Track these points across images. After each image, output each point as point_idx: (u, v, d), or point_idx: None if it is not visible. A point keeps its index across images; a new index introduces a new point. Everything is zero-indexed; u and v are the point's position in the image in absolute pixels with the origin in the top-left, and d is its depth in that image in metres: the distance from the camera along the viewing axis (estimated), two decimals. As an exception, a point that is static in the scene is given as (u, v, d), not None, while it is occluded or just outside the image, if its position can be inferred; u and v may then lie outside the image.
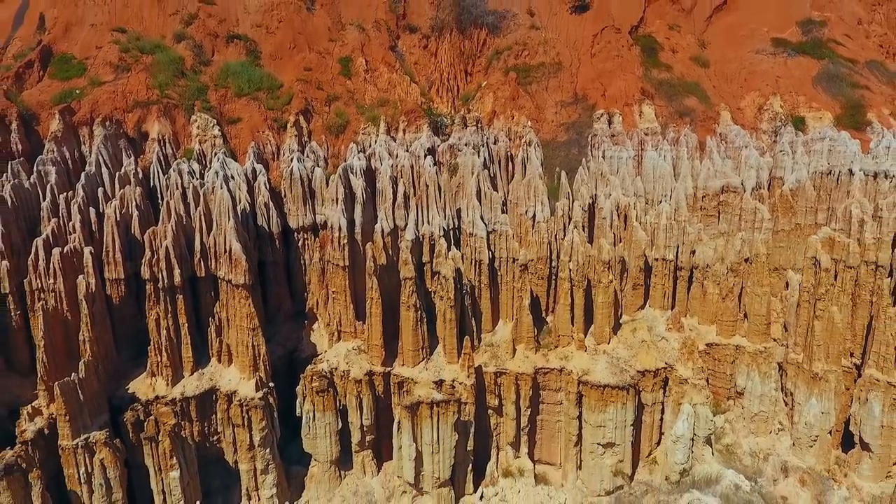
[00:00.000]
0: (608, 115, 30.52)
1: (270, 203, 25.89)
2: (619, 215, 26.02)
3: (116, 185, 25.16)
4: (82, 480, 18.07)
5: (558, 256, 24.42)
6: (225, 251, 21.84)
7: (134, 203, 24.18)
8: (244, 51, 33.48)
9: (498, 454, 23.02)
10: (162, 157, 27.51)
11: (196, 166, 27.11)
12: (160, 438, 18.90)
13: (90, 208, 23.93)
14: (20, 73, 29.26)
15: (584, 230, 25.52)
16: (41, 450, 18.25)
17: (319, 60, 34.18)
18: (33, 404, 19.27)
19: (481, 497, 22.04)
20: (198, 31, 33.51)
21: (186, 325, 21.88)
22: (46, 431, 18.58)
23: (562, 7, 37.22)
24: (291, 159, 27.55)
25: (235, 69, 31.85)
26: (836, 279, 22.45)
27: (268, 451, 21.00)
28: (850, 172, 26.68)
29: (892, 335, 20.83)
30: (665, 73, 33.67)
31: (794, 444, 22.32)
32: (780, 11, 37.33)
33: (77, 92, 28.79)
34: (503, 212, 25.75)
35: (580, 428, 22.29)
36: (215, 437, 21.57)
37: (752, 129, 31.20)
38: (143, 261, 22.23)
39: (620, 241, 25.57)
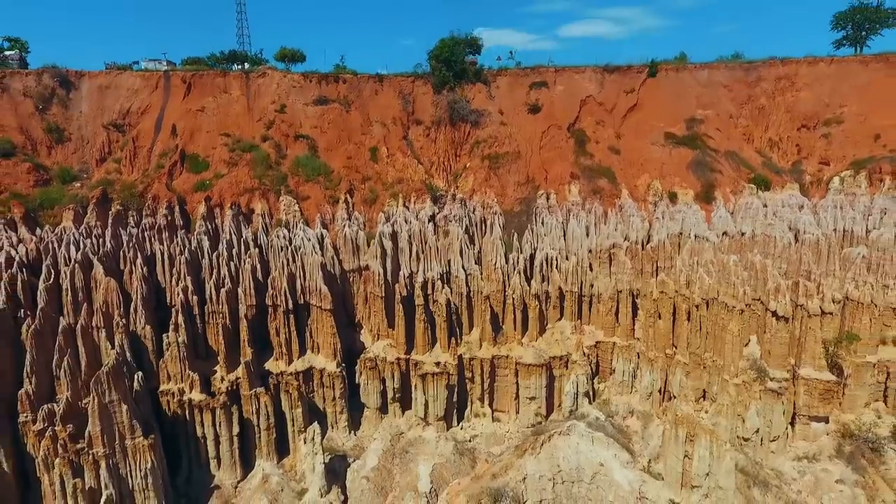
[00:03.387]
0: (547, 193, 48.14)
1: (333, 255, 43.52)
2: (547, 263, 43.60)
3: (242, 247, 42.81)
4: (253, 412, 35.73)
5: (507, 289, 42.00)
6: (316, 289, 39.43)
7: (256, 259, 41.76)
8: (307, 146, 50.94)
9: (471, 405, 40.73)
10: (263, 226, 45.13)
11: (285, 231, 44.72)
12: (291, 392, 36.59)
13: (230, 262, 41.53)
14: (171, 170, 46.90)
15: (527, 272, 43.14)
16: (230, 396, 35.89)
17: (356, 150, 51.73)
18: (221, 375, 36.87)
19: (461, 427, 39.73)
20: (276, 133, 51.07)
21: (294, 331, 39.46)
22: (232, 388, 36.23)
23: (521, 109, 54.80)
24: (343, 225, 45.25)
25: (303, 161, 49.39)
26: (663, 304, 40.01)
27: (342, 401, 38.70)
28: (692, 235, 44.18)
29: (688, 335, 38.47)
30: (589, 159, 51.15)
31: (639, 399, 39.98)
32: (674, 110, 54.81)
33: (207, 182, 46.42)
34: (476, 262, 43.36)
35: (517, 389, 39.94)
36: (312, 394, 39.19)
37: (642, 202, 48.74)
38: (267, 294, 39.85)
39: (546, 280, 43.14)
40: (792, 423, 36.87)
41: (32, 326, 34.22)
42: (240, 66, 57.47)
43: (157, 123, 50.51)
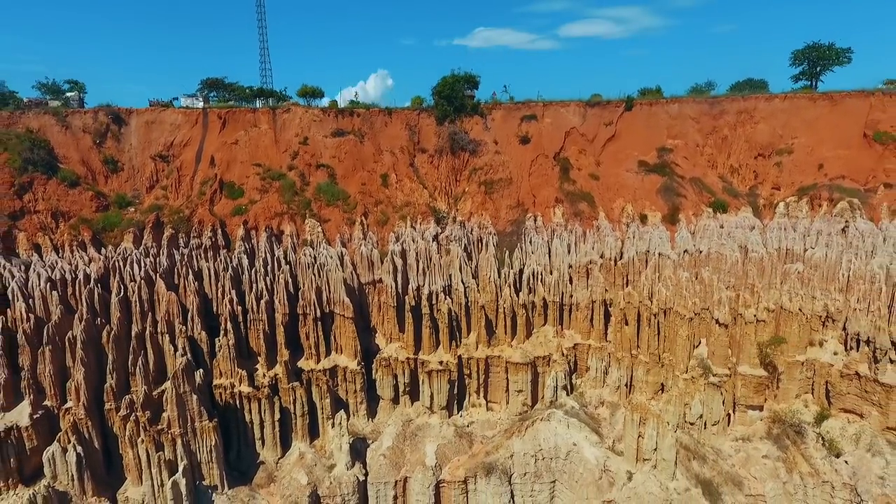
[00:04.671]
0: (534, 215, 56.44)
1: (352, 270, 51.85)
2: (533, 277, 51.90)
3: (275, 264, 51.17)
4: (290, 402, 44.12)
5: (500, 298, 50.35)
6: (339, 300, 47.77)
7: (287, 274, 50.11)
8: (326, 174, 59.21)
9: (469, 396, 49.11)
10: (292, 246, 53.49)
11: (310, 250, 53.06)
12: (320, 385, 45.00)
13: (266, 277, 49.87)
14: (212, 196, 55.24)
15: (516, 284, 51.42)
16: (271, 389, 44.26)
17: (369, 177, 60.03)
18: (263, 371, 45.23)
19: (461, 415, 48.13)
20: (300, 163, 59.38)
21: (321, 335, 47.81)
22: (272, 382, 44.60)
23: (514, 139, 63.06)
24: (360, 244, 53.60)
25: (324, 188, 57.69)
26: (629, 312, 48.33)
27: (362, 393, 47.10)
28: (657, 253, 52.47)
29: (649, 339, 46.82)
30: (572, 185, 59.39)
31: (609, 391, 48.32)
32: (647, 140, 63.01)
33: (243, 207, 54.78)
34: (473, 276, 51.67)
35: (507, 383, 48.29)
36: (337, 387, 47.55)
37: (616, 223, 56.98)
38: (298, 304, 48.19)
39: (533, 291, 51.44)
40: (733, 411, 45.25)
41: (112, 332, 42.65)
42: (266, 102, 65.66)
43: (197, 154, 58.87)
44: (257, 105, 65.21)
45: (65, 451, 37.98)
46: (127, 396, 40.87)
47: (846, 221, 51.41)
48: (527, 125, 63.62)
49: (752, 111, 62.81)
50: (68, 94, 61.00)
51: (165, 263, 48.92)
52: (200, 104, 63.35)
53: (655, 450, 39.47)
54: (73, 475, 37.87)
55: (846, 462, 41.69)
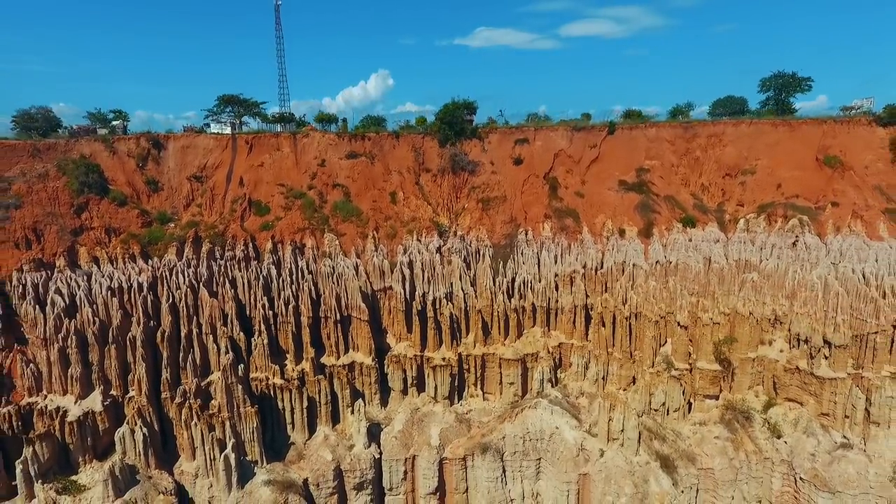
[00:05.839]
0: (525, 230, 64.75)
1: (366, 278, 60.19)
2: (524, 284, 60.21)
3: (299, 273, 59.52)
4: (316, 393, 52.48)
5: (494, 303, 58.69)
6: (356, 305, 56.12)
7: (310, 282, 58.45)
8: (342, 193, 67.45)
9: (467, 388, 57.50)
10: (313, 257, 61.85)
11: (329, 261, 61.39)
12: (340, 378, 53.40)
13: (292, 285, 58.20)
14: (242, 213, 63.59)
15: (509, 291, 59.70)
16: (300, 381, 52.62)
17: (379, 195, 68.29)
18: (291, 367, 53.58)
19: (461, 404, 56.48)
20: (318, 183, 67.66)
21: (341, 335, 56.15)
22: (300, 375, 52.98)
23: (508, 160, 71.31)
24: (372, 255, 61.96)
25: (339, 205, 65.96)
26: (606, 315, 56.65)
27: (376, 385, 55.50)
28: (631, 264, 60.72)
29: (622, 338, 55.14)
30: (559, 202, 67.67)
31: (588, 384, 56.66)
32: (627, 161, 71.20)
33: (270, 223, 63.11)
34: (471, 284, 60.00)
35: (501, 377, 56.64)
36: (355, 380, 55.91)
37: (598, 236, 65.22)
38: (321, 309, 56.55)
39: (524, 297, 59.73)
40: (692, 400, 53.60)
41: (165, 333, 51.07)
42: (286, 127, 74.06)
43: (227, 175, 67.18)
44: (278, 129, 73.46)
45: (132, 431, 46.42)
46: (180, 387, 49.32)
47: (796, 236, 59.77)
48: (520, 148, 71.88)
49: (722, 135, 71.05)
50: (114, 123, 69.34)
51: (205, 273, 57.25)
52: (228, 130, 71.49)
53: (622, 431, 47.86)
54: (139, 451, 46.31)
55: (785, 442, 50.09)
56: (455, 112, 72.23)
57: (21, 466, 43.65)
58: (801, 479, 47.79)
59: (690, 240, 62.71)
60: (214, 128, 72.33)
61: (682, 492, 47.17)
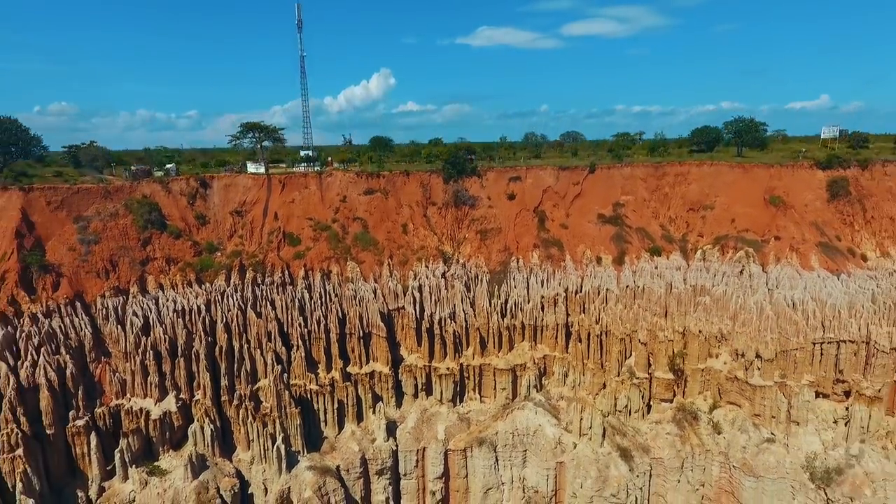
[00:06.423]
0: (517, 258, 77.01)
1: (383, 300, 72.53)
2: (515, 306, 72.47)
3: (328, 296, 71.86)
4: (345, 396, 64.86)
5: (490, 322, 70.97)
6: (376, 323, 68.50)
7: (337, 304, 70.79)
8: (361, 225, 79.66)
9: (467, 392, 69.93)
10: (338, 282, 74.19)
11: (352, 285, 73.71)
12: (363, 384, 65.81)
13: (322, 307, 70.53)
14: (278, 244, 75.87)
15: (502, 311, 71.93)
16: (331, 386, 64.99)
17: (392, 226, 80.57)
18: (323, 375, 65.99)
19: (462, 405, 68.88)
20: (341, 216, 79.92)
21: (363, 349, 68.55)
22: (330, 381, 65.34)
23: (503, 196, 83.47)
24: (387, 280, 74.34)
25: (359, 236, 78.23)
26: (582, 332, 68.95)
27: (392, 390, 67.97)
28: (605, 288, 72.89)
29: (594, 352, 67.44)
30: (546, 233, 79.84)
31: (567, 389, 69.02)
32: (605, 196, 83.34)
33: (301, 253, 75.40)
34: (471, 305, 72.33)
35: (495, 383, 69.02)
36: (375, 386, 68.31)
37: (578, 263, 77.41)
38: (346, 326, 68.92)
39: (514, 316, 72.00)
40: (650, 403, 65.93)
41: (223, 348, 63.50)
42: (312, 166, 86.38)
43: (264, 210, 79.43)
44: (302, 168, 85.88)
45: (202, 427, 58.89)
46: (236, 392, 61.82)
47: (743, 266, 71.95)
48: (513, 185, 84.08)
49: (687, 174, 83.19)
50: (168, 166, 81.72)
51: (250, 297, 69.62)
52: (262, 169, 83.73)
53: (590, 428, 60.22)
54: (207, 443, 58.82)
55: (724, 437, 62.46)
56: (457, 154, 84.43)
57: (118, 455, 56.16)
58: (734, 466, 60.16)
59: (656, 267, 74.92)
60: (251, 167, 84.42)
61: (637, 476, 59.56)
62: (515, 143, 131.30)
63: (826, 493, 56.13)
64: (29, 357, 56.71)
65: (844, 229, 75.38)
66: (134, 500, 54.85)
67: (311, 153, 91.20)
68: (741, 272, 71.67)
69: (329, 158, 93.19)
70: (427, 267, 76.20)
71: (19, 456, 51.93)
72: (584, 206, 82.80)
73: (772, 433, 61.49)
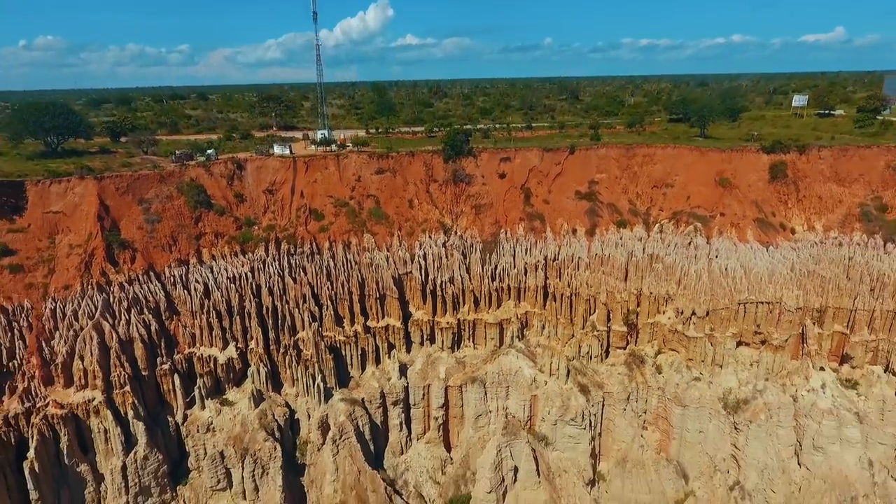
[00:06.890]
0: (506, 230, 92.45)
1: (394, 267, 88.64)
2: (503, 271, 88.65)
3: (349, 264, 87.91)
4: (366, 345, 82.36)
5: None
6: (389, 287, 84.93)
7: (357, 271, 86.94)
8: (374, 202, 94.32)
9: (463, 341, 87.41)
10: (357, 252, 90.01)
11: (368, 254, 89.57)
12: (380, 335, 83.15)
13: (344, 272, 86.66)
14: (305, 219, 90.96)
15: (492, 276, 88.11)
16: (354, 337, 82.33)
17: (400, 202, 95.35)
18: (347, 328, 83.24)
19: (459, 351, 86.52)
20: (357, 194, 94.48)
21: (380, 306, 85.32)
22: (354, 333, 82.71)
23: (495, 174, 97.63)
24: (397, 249, 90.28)
25: (373, 211, 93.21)
26: (556, 293, 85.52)
27: (403, 339, 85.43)
28: (577, 256, 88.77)
29: (565, 308, 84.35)
30: (531, 208, 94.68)
31: (543, 338, 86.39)
32: (582, 175, 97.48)
33: (325, 227, 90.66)
34: (466, 271, 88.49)
35: (485, 334, 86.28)
36: (389, 336, 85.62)
37: (557, 234, 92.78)
38: (366, 289, 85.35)
39: (502, 280, 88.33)
40: (609, 350, 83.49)
41: (268, 308, 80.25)
42: (330, 149, 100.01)
43: (291, 189, 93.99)
44: (320, 150, 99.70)
45: (258, 370, 76.60)
46: (281, 342, 79.17)
47: (691, 238, 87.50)
48: (503, 164, 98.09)
49: (653, 156, 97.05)
50: (209, 152, 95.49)
51: (286, 265, 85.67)
52: (288, 151, 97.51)
53: (558, 369, 78.00)
54: (263, 382, 76.75)
55: (663, 377, 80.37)
56: (456, 137, 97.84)
57: (197, 390, 74.12)
58: (668, 399, 78.36)
59: (621, 238, 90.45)
60: (277, 149, 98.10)
61: (592, 405, 77.93)
62: (515, 81, 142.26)
63: (733, 418, 74.53)
64: (122, 317, 73.44)
65: (779, 206, 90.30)
66: (212, 423, 73.33)
67: (326, 133, 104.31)
68: (689, 244, 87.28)
69: (342, 136, 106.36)
70: (430, 237, 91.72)
71: (127, 391, 69.70)
72: (563, 184, 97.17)
73: (700, 374, 79.30)
